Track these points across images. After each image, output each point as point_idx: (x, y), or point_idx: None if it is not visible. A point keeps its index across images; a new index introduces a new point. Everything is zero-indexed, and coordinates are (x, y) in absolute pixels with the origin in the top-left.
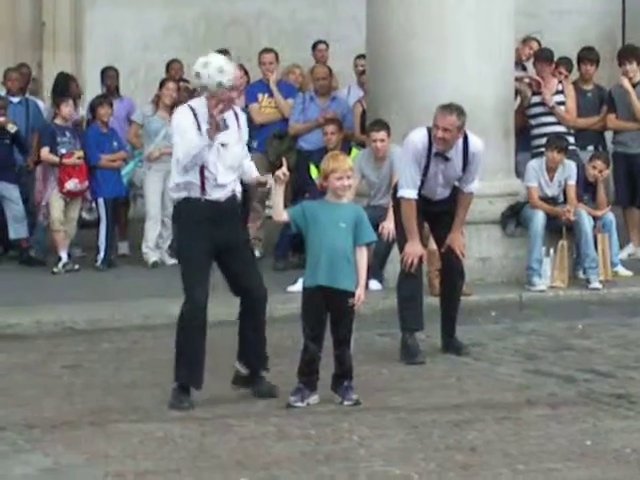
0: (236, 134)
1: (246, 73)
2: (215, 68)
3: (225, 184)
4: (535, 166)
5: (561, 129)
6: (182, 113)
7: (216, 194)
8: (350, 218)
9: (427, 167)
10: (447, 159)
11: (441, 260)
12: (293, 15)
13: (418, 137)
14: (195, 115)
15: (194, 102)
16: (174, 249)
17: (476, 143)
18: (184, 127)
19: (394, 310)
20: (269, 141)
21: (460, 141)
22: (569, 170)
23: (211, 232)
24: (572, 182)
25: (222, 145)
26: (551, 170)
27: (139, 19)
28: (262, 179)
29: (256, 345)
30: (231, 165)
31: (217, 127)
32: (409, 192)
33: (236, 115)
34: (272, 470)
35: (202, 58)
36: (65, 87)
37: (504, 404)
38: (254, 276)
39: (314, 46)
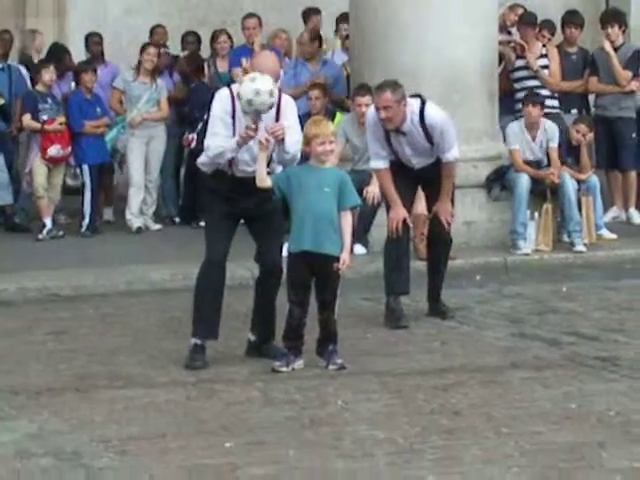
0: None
1: (230, 38)
2: (266, 92)
3: (250, 171)
4: (515, 129)
5: (545, 92)
6: (220, 100)
7: (242, 174)
8: (334, 182)
9: (388, 140)
10: (404, 133)
11: (429, 226)
12: None
13: (370, 112)
14: (233, 98)
15: (237, 86)
16: (159, 215)
17: (433, 115)
18: (216, 115)
19: (378, 274)
20: None
21: (415, 114)
22: (551, 132)
23: (235, 199)
24: (554, 144)
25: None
26: (532, 128)
27: None
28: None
29: (264, 313)
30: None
31: (246, 140)
32: (376, 163)
33: (278, 106)
34: (257, 435)
35: (251, 84)
36: (57, 58)
37: (489, 368)
38: (271, 246)
39: (306, 14)
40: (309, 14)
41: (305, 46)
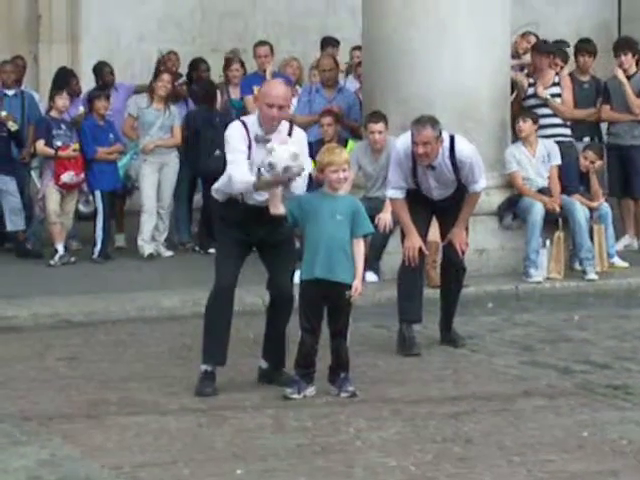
0: None
1: (242, 65)
2: (302, 162)
3: (262, 200)
4: (513, 150)
5: (557, 121)
6: (234, 130)
7: (254, 202)
8: (347, 210)
9: (414, 171)
10: (433, 167)
11: (443, 254)
12: (289, 6)
13: (401, 144)
14: (247, 130)
15: (247, 118)
16: (171, 242)
17: (462, 150)
18: (235, 147)
19: (390, 302)
20: None
21: (446, 149)
22: (550, 148)
23: (248, 227)
24: (554, 162)
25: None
26: (528, 144)
27: (135, 10)
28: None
29: (274, 341)
30: None
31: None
32: (393, 192)
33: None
34: (268, 462)
35: (285, 152)
36: (65, 82)
37: (501, 396)
38: (283, 274)
39: (324, 43)
40: (327, 44)
41: (331, 72)
